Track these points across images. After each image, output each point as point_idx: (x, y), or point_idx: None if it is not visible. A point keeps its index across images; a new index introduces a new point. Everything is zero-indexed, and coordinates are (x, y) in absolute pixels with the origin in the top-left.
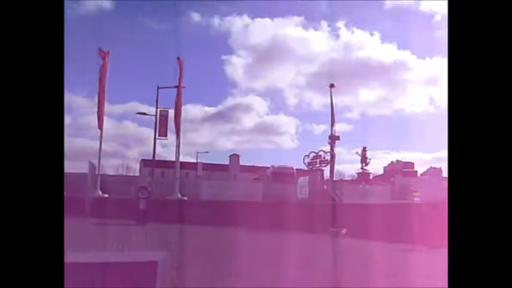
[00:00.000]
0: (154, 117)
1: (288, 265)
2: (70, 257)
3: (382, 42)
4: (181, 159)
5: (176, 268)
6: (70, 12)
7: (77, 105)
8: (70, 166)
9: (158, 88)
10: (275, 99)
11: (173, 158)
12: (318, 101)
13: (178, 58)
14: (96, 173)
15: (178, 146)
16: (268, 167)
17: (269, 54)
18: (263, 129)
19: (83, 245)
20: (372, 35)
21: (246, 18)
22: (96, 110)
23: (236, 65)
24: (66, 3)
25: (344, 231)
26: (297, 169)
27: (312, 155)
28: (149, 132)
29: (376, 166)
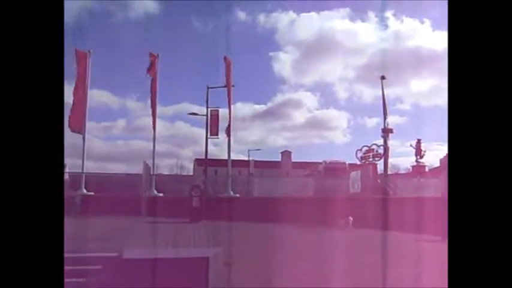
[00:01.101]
0: (205, 117)
1: (337, 261)
2: (128, 253)
3: (433, 30)
4: (234, 157)
5: (227, 264)
6: (119, 17)
7: (131, 109)
8: (127, 167)
9: (208, 88)
10: (325, 93)
11: (225, 157)
12: (369, 93)
13: (225, 58)
14: (151, 173)
15: (229, 144)
16: (320, 163)
17: (316, 49)
18: (314, 124)
19: (140, 242)
20: (422, 23)
21: (291, 14)
22: (149, 112)
23: (284, 61)
24: (114, 8)
25: (351, 219)
26: (349, 164)
27: (365, 148)
28: (201, 132)
29: (432, 158)
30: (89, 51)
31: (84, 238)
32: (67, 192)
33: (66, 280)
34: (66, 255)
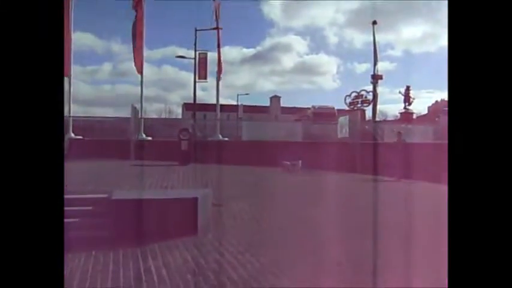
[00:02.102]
0: (193, 60)
1: (328, 204)
2: (117, 194)
3: None
4: (223, 101)
5: (216, 205)
6: None
7: (116, 52)
8: (114, 111)
9: (196, 30)
10: (315, 38)
11: (214, 101)
12: (360, 39)
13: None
14: (139, 117)
15: (218, 88)
16: (309, 108)
17: None
18: (303, 69)
19: (129, 184)
20: None
21: None
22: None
23: (273, 4)
24: None
25: (300, 163)
26: (338, 109)
27: (354, 94)
28: (189, 76)
29: (421, 106)
30: None
31: (73, 180)
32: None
33: None
34: None
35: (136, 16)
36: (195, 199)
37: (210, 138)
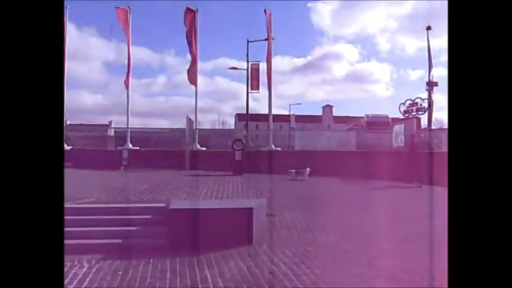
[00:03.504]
0: (245, 71)
1: (380, 215)
2: (174, 204)
3: None
4: (274, 111)
5: (270, 215)
6: None
7: (170, 65)
8: (169, 122)
9: (248, 42)
10: (366, 45)
11: (266, 111)
12: (413, 45)
13: (265, 10)
14: (194, 128)
15: (270, 98)
16: (362, 117)
17: None
18: (355, 77)
19: (185, 194)
20: None
21: None
22: (187, 67)
23: (323, 12)
24: None
25: (307, 170)
26: (392, 118)
27: (408, 102)
28: (241, 87)
29: None
30: (129, 8)
31: (132, 190)
32: (114, 147)
33: (118, 228)
34: (119, 205)
35: (188, 30)
36: (250, 209)
37: (263, 148)
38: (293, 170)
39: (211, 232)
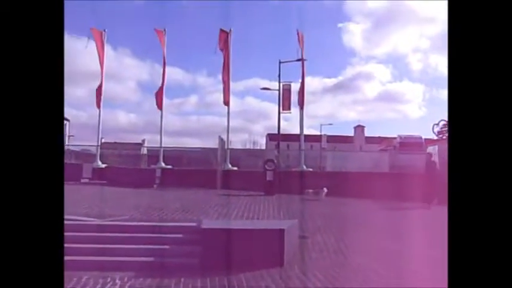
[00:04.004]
0: (276, 91)
1: (412, 239)
2: (206, 223)
3: None
4: (305, 132)
5: (302, 237)
6: None
7: (201, 85)
8: (201, 141)
9: (280, 63)
10: (398, 65)
11: (296, 131)
12: (446, 64)
13: (297, 31)
14: (226, 147)
15: (302, 118)
16: (395, 137)
17: (388, 18)
18: (387, 97)
19: (216, 213)
20: None
21: None
22: (220, 87)
23: (354, 33)
24: None
25: (324, 190)
26: (425, 138)
27: (442, 123)
28: (271, 107)
29: None
30: (164, 30)
31: (165, 208)
32: (147, 166)
33: (151, 247)
34: (152, 223)
35: (222, 51)
36: (282, 230)
37: (295, 168)
38: (310, 190)
39: (243, 252)
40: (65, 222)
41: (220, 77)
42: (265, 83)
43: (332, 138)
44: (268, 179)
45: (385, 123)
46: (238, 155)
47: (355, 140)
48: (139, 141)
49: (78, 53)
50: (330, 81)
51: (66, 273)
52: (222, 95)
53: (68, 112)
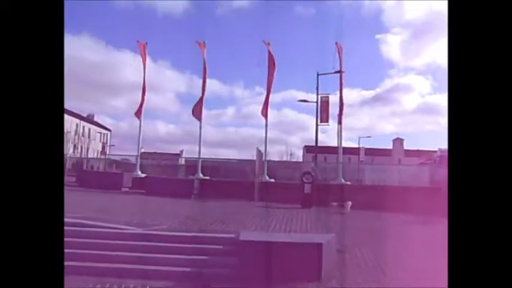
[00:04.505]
0: (314, 103)
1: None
2: (244, 235)
3: None
4: (343, 144)
5: (340, 251)
6: (223, 10)
7: (239, 96)
8: (238, 153)
9: (318, 75)
10: (437, 76)
11: (334, 143)
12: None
13: (336, 43)
14: (263, 159)
15: (340, 131)
16: (435, 151)
17: (427, 29)
18: (426, 110)
19: (254, 225)
20: None
21: None
22: (257, 99)
23: (392, 44)
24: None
25: (349, 204)
26: None
27: None
28: (309, 119)
29: None
30: (204, 43)
31: (203, 219)
32: (185, 176)
33: (189, 257)
34: (190, 234)
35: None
36: (320, 245)
37: (332, 181)
38: (335, 203)
39: (281, 265)
40: (107, 230)
41: (257, 89)
42: (301, 95)
43: (370, 151)
44: (305, 191)
45: (425, 136)
46: (276, 167)
47: (394, 153)
48: (178, 152)
49: (119, 64)
50: (368, 93)
51: (107, 279)
52: (259, 107)
53: (108, 122)
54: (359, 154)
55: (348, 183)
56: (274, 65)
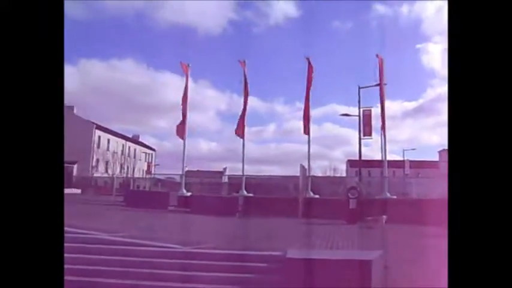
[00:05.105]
0: (356, 117)
1: None
2: (292, 253)
3: None
4: (387, 157)
5: (388, 268)
6: (260, 28)
7: (279, 112)
8: (280, 169)
9: (359, 88)
10: None
11: (377, 157)
12: None
13: (377, 56)
14: (307, 175)
15: (384, 144)
16: None
17: None
18: None
19: (300, 243)
20: None
21: (437, 1)
22: (296, 114)
23: (433, 53)
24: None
25: (384, 218)
26: None
27: None
28: (350, 133)
29: None
30: (244, 61)
31: (248, 237)
32: (229, 194)
33: (235, 275)
34: (236, 252)
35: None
36: (369, 261)
37: (378, 196)
38: (370, 218)
39: (329, 283)
40: (153, 248)
41: (297, 104)
42: (342, 109)
43: (415, 164)
44: (351, 207)
45: None
46: (319, 182)
47: (441, 165)
48: (221, 169)
49: (160, 85)
50: (410, 105)
51: None
52: (300, 122)
53: (153, 142)
54: (404, 167)
55: (394, 197)
56: (310, 80)
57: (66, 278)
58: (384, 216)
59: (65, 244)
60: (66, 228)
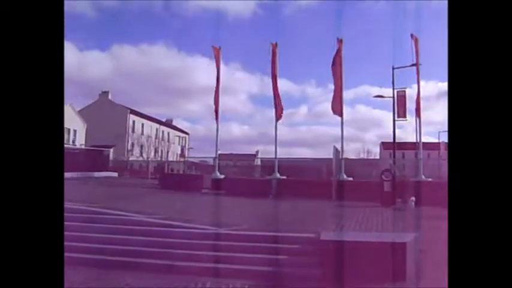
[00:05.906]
0: (390, 98)
1: None
2: (325, 235)
3: None
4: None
5: (422, 251)
6: (291, 9)
7: (311, 95)
8: (312, 151)
9: (393, 69)
10: None
11: (411, 139)
12: None
13: (411, 35)
14: (340, 157)
15: (419, 126)
16: None
17: None
18: None
19: (334, 225)
20: None
21: None
22: (329, 97)
23: None
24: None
25: (413, 200)
26: None
27: None
28: (383, 115)
29: None
30: (276, 44)
31: (282, 219)
32: (262, 176)
33: (269, 257)
34: (269, 233)
35: (334, 60)
36: (404, 244)
37: (413, 178)
38: (400, 199)
39: (363, 265)
40: (190, 230)
41: (329, 86)
42: (375, 90)
43: None
44: (385, 189)
45: None
46: (353, 165)
47: None
48: (253, 152)
49: (192, 69)
50: (445, 86)
51: (190, 278)
52: (332, 105)
53: (186, 126)
54: (439, 149)
55: (429, 179)
56: (340, 62)
57: (105, 258)
58: (413, 198)
59: (105, 225)
60: (104, 210)
